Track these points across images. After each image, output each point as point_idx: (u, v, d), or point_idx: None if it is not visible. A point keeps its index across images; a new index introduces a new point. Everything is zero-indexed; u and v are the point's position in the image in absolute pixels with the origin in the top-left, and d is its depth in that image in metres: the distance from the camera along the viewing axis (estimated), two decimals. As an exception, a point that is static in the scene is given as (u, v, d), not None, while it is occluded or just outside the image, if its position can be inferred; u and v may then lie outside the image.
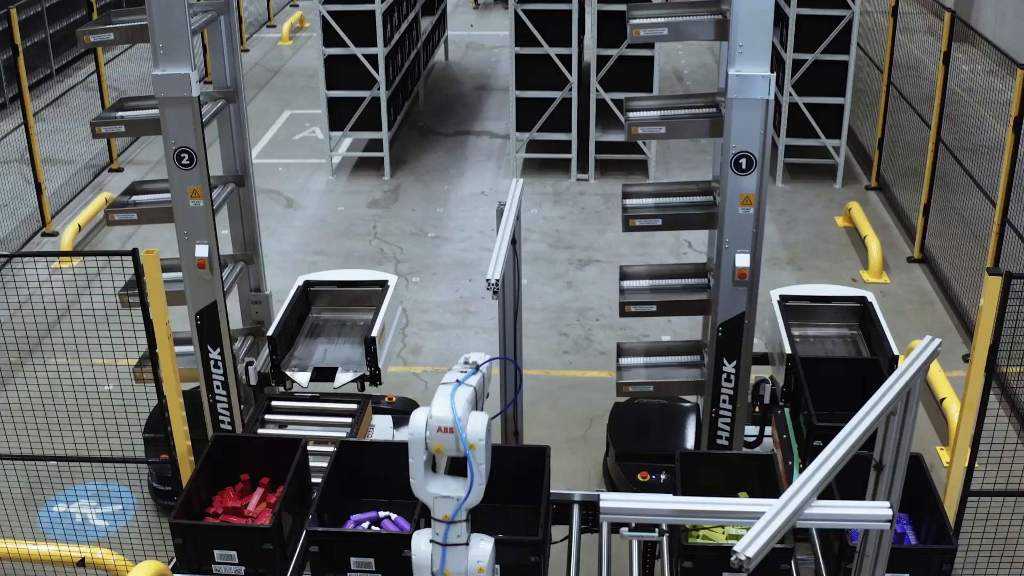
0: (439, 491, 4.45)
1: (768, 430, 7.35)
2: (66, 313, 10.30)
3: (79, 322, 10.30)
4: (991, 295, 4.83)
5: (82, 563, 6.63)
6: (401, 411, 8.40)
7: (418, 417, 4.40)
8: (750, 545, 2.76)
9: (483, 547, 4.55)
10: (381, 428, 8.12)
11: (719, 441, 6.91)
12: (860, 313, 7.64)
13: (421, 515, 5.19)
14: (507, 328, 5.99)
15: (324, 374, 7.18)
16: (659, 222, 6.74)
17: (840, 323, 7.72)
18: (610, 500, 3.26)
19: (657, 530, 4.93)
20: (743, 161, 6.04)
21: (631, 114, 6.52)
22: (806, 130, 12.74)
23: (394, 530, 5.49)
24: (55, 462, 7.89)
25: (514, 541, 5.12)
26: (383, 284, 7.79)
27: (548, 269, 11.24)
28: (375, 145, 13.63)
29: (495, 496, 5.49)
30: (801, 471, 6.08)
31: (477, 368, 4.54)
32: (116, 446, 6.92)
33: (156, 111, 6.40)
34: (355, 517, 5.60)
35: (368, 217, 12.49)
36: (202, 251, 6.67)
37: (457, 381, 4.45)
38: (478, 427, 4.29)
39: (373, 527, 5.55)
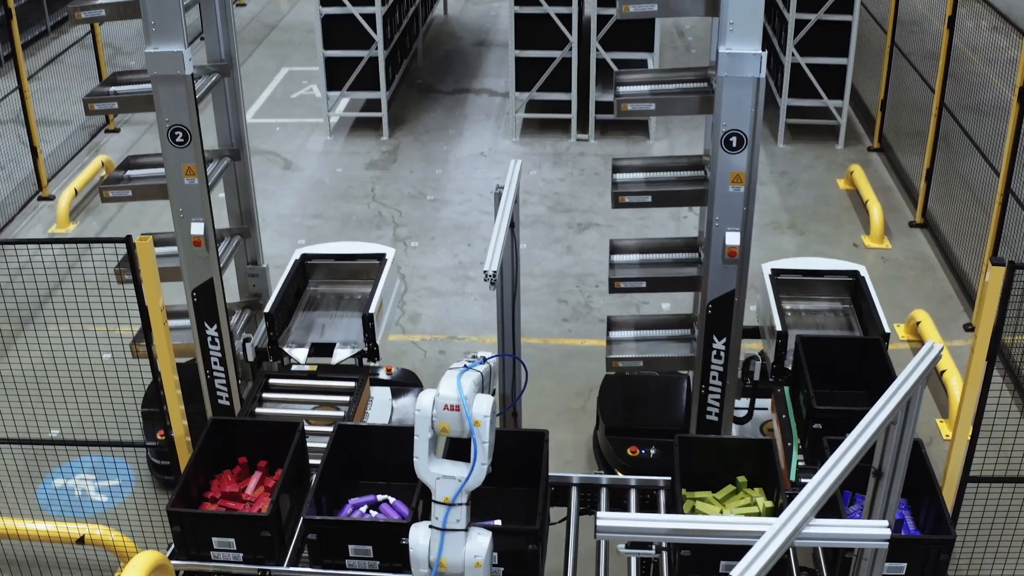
0: (442, 471, 4.48)
1: (760, 404, 7.37)
2: (63, 281, 10.28)
3: (77, 290, 10.29)
4: (994, 285, 4.77)
5: (81, 541, 6.64)
6: (400, 383, 8.39)
7: (425, 397, 4.53)
8: (748, 568, 2.74)
9: (480, 541, 4.55)
10: (380, 400, 8.12)
11: (709, 417, 6.92)
12: (852, 287, 7.60)
13: (420, 498, 5.19)
14: (505, 315, 5.93)
15: (322, 350, 7.15)
16: (648, 199, 6.70)
17: (832, 297, 7.68)
18: (607, 519, 3.23)
19: (654, 547, 4.93)
20: (733, 139, 5.99)
21: (621, 89, 6.44)
22: (808, 91, 12.61)
23: (392, 514, 5.49)
24: (54, 437, 7.93)
25: (512, 530, 5.12)
26: (381, 257, 7.74)
27: (547, 233, 11.18)
28: (373, 105, 13.50)
29: (494, 479, 5.50)
30: (801, 452, 6.10)
31: (485, 360, 4.64)
32: (115, 418, 6.90)
33: (150, 86, 6.32)
34: (353, 501, 5.59)
35: (366, 179, 12.39)
36: (197, 229, 6.61)
37: (465, 366, 4.57)
38: (483, 406, 4.40)
39: (371, 511, 5.55)
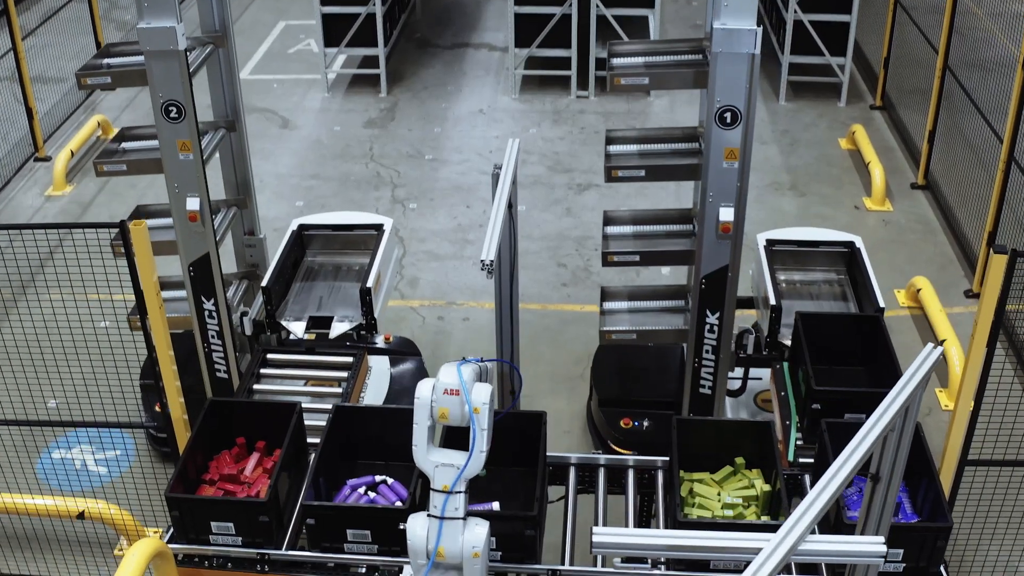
0: (441, 459, 4.49)
1: (754, 372, 7.37)
2: (61, 245, 10.24)
3: (73, 255, 10.24)
4: (995, 273, 4.73)
5: (81, 516, 6.67)
6: (398, 351, 8.39)
7: (425, 385, 4.53)
8: (746, 586, 2.74)
9: (478, 532, 4.56)
10: (378, 369, 8.11)
11: (702, 391, 6.92)
12: (848, 258, 7.57)
13: (420, 478, 5.20)
14: (503, 302, 5.90)
15: (320, 323, 7.12)
16: (642, 173, 6.63)
17: (827, 268, 7.65)
18: (603, 535, 3.22)
19: (650, 562, 4.94)
20: (728, 115, 5.93)
21: (614, 61, 6.36)
22: (810, 48, 12.47)
23: (391, 496, 5.50)
24: (53, 407, 7.94)
25: (510, 515, 5.13)
26: (378, 228, 7.69)
27: (547, 194, 11.11)
28: (371, 62, 13.36)
29: (492, 460, 5.51)
30: (800, 430, 6.09)
31: (481, 359, 4.67)
32: (112, 388, 6.87)
33: (143, 58, 6.23)
34: (351, 482, 5.59)
35: (364, 138, 12.30)
36: (193, 204, 6.56)
37: (463, 359, 4.60)
38: (483, 393, 4.42)
39: (369, 492, 5.55)
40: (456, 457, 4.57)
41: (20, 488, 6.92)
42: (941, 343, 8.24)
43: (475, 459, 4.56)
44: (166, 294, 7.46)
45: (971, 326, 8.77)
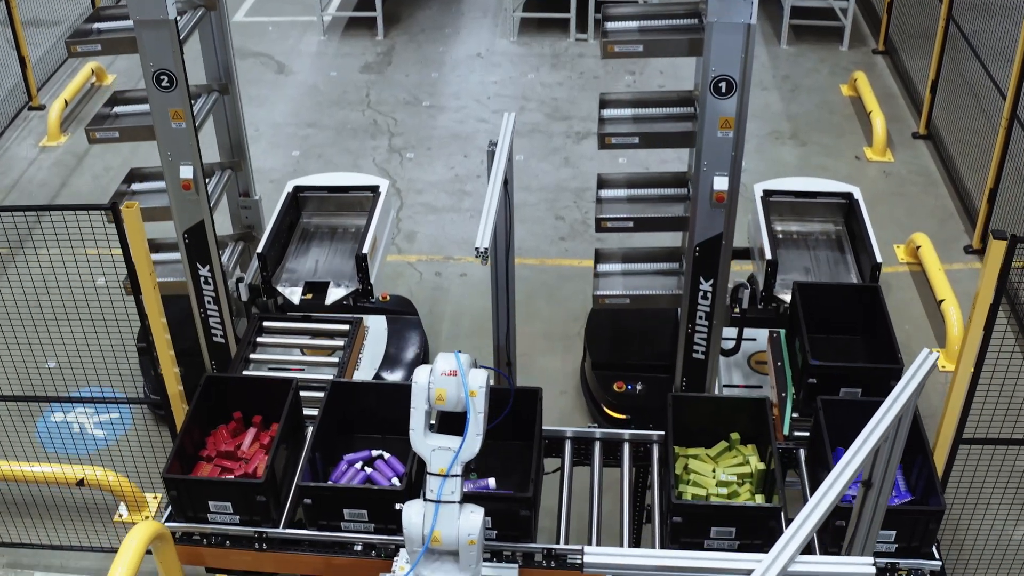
0: (438, 443, 4.52)
1: (749, 333, 7.38)
2: (55, 200, 10.20)
3: (69, 208, 10.17)
4: (994, 259, 4.69)
5: (81, 483, 6.72)
6: (395, 311, 8.38)
7: (422, 370, 4.57)
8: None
9: (473, 519, 4.58)
10: (376, 329, 8.13)
11: (695, 355, 6.94)
12: (846, 210, 7.53)
13: (416, 455, 5.22)
14: (499, 288, 5.87)
15: (316, 289, 7.11)
16: (636, 140, 6.58)
17: (825, 219, 7.62)
18: (595, 554, 3.24)
19: None
20: (723, 85, 5.86)
21: (608, 25, 6.27)
22: (813, -10, 12.30)
23: (387, 471, 5.52)
24: (53, 363, 7.93)
25: (506, 497, 5.16)
26: (374, 190, 7.63)
27: (545, 143, 11.02)
28: (367, 3, 13.17)
29: (489, 434, 5.53)
30: (795, 403, 6.10)
31: (476, 362, 4.69)
32: (111, 345, 6.85)
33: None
34: (348, 457, 5.61)
35: (361, 83, 12.16)
36: (187, 172, 6.50)
37: (458, 351, 4.59)
38: (479, 377, 4.48)
39: (366, 467, 5.58)
40: (453, 441, 4.60)
41: (20, 452, 6.96)
42: (940, 302, 8.26)
43: (471, 442, 4.58)
44: (161, 256, 7.48)
45: (970, 283, 8.87)
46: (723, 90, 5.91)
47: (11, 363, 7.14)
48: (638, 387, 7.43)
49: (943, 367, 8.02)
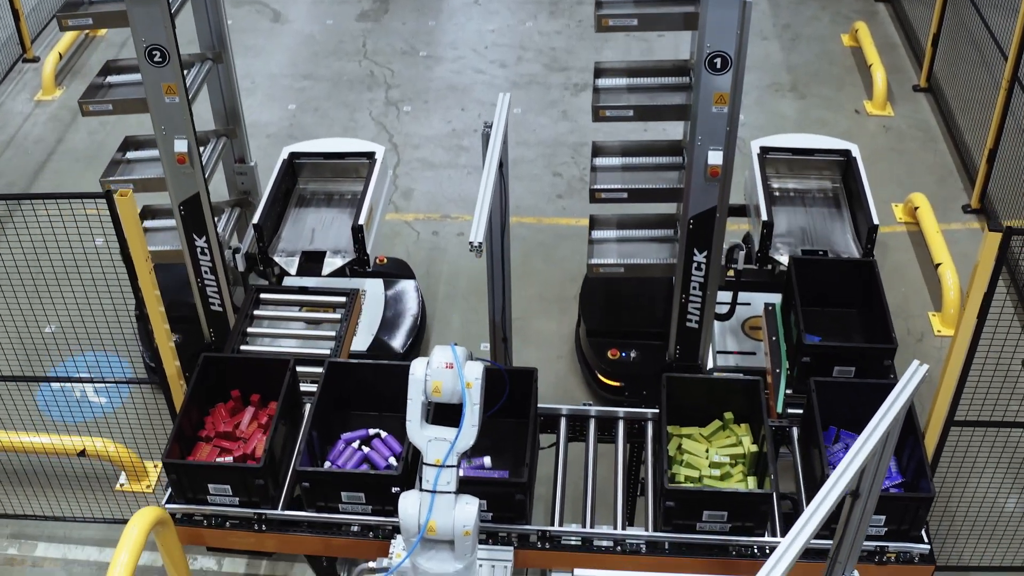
0: (434, 434, 4.57)
1: (743, 297, 7.42)
2: (51, 157, 10.16)
3: (65, 165, 10.17)
4: (988, 251, 4.69)
5: (83, 453, 6.79)
6: (392, 274, 8.40)
7: (419, 363, 4.59)
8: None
9: (468, 511, 4.64)
10: (373, 293, 8.16)
11: (689, 324, 7.00)
12: (843, 167, 7.52)
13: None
14: (495, 265, 5.87)
15: (312, 259, 7.12)
16: (631, 113, 6.54)
17: (822, 176, 7.60)
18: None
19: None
20: (718, 61, 5.82)
21: None
22: (816, -64, 12.09)
23: (384, 451, 5.58)
24: (51, 328, 7.95)
25: (502, 482, 5.22)
26: (370, 156, 7.60)
27: (543, 95, 10.94)
28: (363, -52, 12.96)
29: (484, 411, 5.60)
30: (789, 378, 6.13)
31: (471, 355, 4.70)
32: (110, 310, 6.84)
33: (125, -2, 6.07)
34: (345, 436, 5.66)
35: (357, 32, 12.03)
36: (181, 146, 6.47)
37: (454, 343, 4.61)
38: (475, 369, 4.52)
39: (363, 446, 5.64)
40: (449, 432, 4.65)
41: (20, 419, 6.98)
42: (938, 266, 8.26)
43: (466, 433, 4.63)
44: (158, 223, 7.49)
45: (968, 244, 8.87)
46: (718, 66, 5.87)
47: (12, 326, 7.08)
48: (632, 355, 7.46)
49: (939, 332, 8.05)
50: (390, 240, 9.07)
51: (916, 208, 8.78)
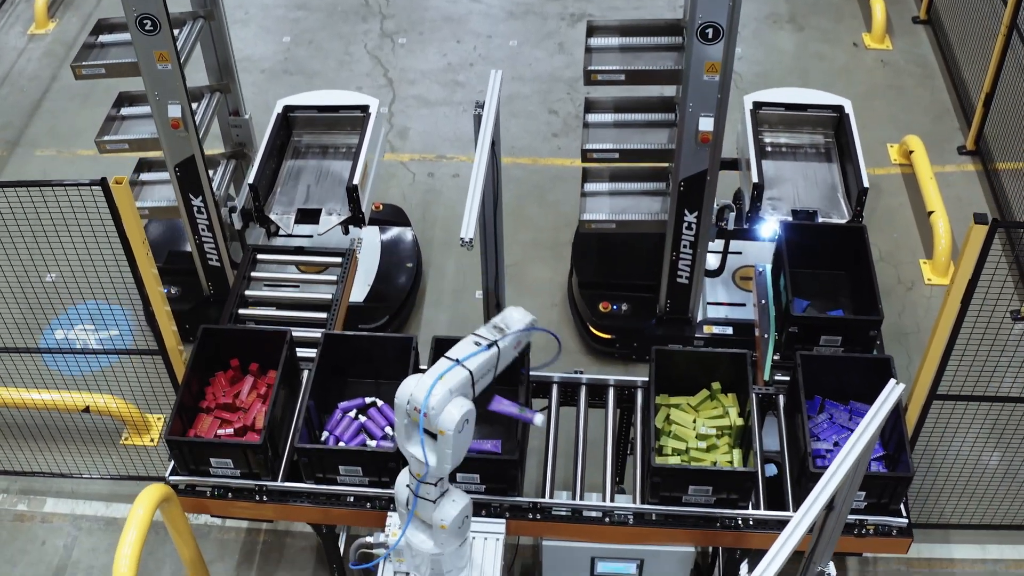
0: (416, 454, 4.58)
1: (735, 247, 7.59)
2: (46, 95, 10.13)
3: (61, 104, 10.13)
4: (974, 242, 4.75)
5: (87, 410, 6.95)
6: (388, 221, 8.46)
7: (406, 386, 4.38)
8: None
9: (448, 510, 4.62)
10: (369, 242, 8.23)
11: (679, 280, 7.15)
12: (836, 123, 7.55)
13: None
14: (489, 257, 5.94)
15: (308, 216, 7.19)
16: (622, 77, 6.55)
17: (815, 131, 7.64)
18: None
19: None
20: (709, 31, 5.85)
21: None
22: None
23: (380, 420, 5.72)
24: (51, 276, 8.02)
25: (495, 459, 5.37)
26: (364, 109, 7.61)
27: (539, 27, 10.84)
28: None
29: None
30: (777, 343, 6.24)
31: (493, 344, 4.46)
32: (113, 253, 6.88)
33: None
34: (343, 405, 5.80)
35: (351, -41, 11.84)
36: (175, 112, 6.49)
37: (456, 360, 4.38)
38: (452, 417, 4.26)
39: (360, 415, 5.78)
40: (430, 456, 4.43)
41: (24, 369, 7.06)
42: (930, 214, 8.31)
43: (436, 470, 4.46)
44: (155, 175, 7.53)
45: (962, 187, 8.91)
46: (709, 36, 5.89)
47: (12, 275, 7.06)
48: (623, 307, 7.57)
49: (929, 280, 8.14)
50: (385, 182, 9.10)
51: (911, 152, 8.79)
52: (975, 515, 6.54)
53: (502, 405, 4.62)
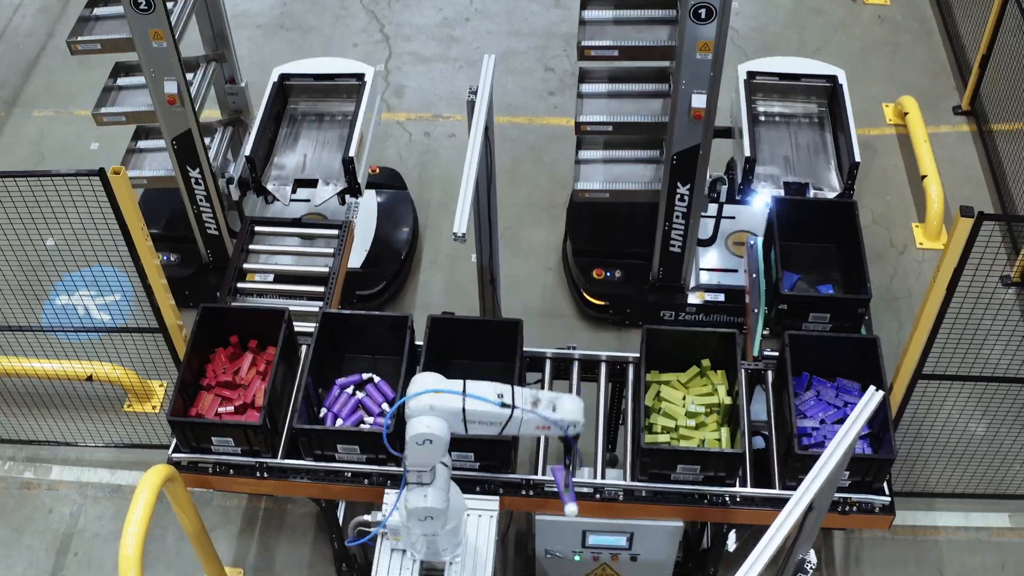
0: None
1: (729, 211, 7.69)
2: (42, 53, 10.11)
3: (57, 63, 10.10)
4: (959, 235, 4.83)
5: (90, 379, 7.08)
6: (385, 185, 8.51)
7: (424, 378, 4.42)
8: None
9: (429, 506, 4.76)
10: (366, 206, 8.29)
11: (671, 250, 7.25)
12: (829, 92, 7.58)
13: (405, 378, 5.51)
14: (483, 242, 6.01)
15: (305, 186, 7.25)
16: (615, 53, 6.58)
17: (808, 101, 7.67)
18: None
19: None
20: (703, 11, 5.89)
21: None
22: None
23: (377, 396, 5.85)
24: (52, 241, 8.09)
25: (489, 440, 5.49)
26: (360, 78, 7.62)
27: (537, -23, 10.78)
28: None
29: (474, 355, 5.86)
30: (766, 318, 6.35)
31: (510, 407, 4.41)
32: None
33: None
34: (340, 381, 5.92)
35: (347, -93, 11.73)
36: (171, 88, 6.53)
37: (463, 392, 4.39)
38: (415, 427, 4.34)
39: (358, 392, 5.91)
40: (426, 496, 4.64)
41: (25, 339, 7.16)
42: (923, 178, 8.36)
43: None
44: (153, 143, 7.57)
45: (956, 149, 8.95)
46: (703, 16, 5.91)
47: (15, 239, 7.08)
48: (617, 274, 7.67)
49: (921, 244, 8.22)
50: (382, 143, 9.13)
51: (906, 113, 8.81)
52: (959, 484, 6.69)
53: (556, 475, 4.71)
